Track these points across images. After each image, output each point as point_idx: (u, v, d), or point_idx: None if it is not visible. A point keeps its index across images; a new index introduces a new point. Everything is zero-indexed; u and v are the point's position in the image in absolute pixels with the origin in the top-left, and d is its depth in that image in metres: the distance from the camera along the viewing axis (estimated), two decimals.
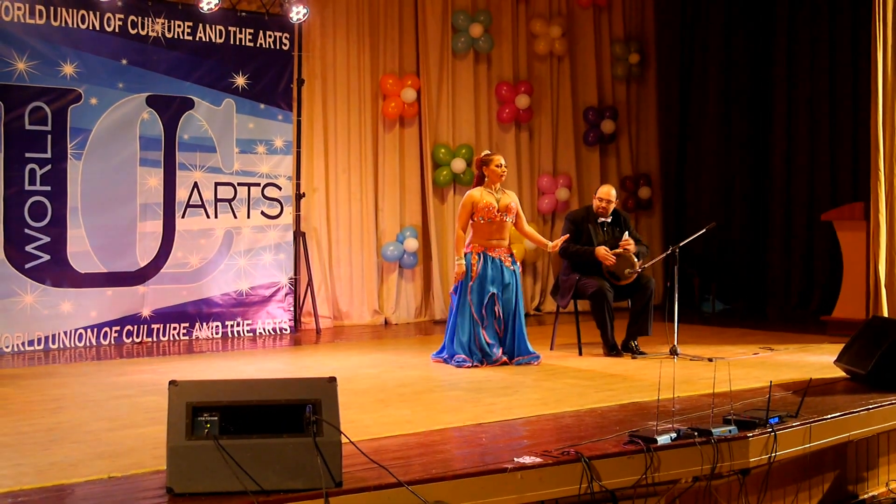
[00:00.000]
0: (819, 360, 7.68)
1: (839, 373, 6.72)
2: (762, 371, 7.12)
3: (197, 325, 9.29)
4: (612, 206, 8.31)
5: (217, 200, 9.45)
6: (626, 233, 8.22)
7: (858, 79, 10.75)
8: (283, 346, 9.17)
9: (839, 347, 6.91)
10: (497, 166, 7.72)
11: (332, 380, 4.08)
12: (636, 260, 8.05)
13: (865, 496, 5.84)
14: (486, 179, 7.75)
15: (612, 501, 4.46)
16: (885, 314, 8.77)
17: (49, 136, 8.51)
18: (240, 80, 9.53)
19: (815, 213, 10.98)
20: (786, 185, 11.74)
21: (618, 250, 8.05)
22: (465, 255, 7.66)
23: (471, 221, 7.72)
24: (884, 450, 6.01)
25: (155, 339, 9.04)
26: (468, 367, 7.42)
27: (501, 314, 7.63)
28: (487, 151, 8.11)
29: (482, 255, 7.65)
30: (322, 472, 3.82)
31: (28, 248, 8.42)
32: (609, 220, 8.29)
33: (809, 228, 11.43)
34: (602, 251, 8.02)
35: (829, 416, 5.39)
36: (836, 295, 9.71)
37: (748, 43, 12.13)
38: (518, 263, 7.92)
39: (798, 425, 5.15)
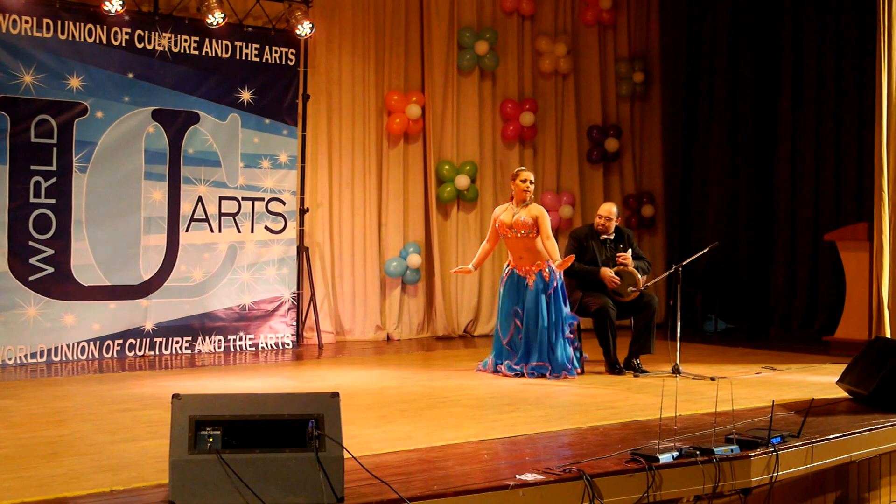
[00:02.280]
0: (821, 380, 7.67)
1: (841, 393, 6.72)
2: (764, 390, 7.11)
3: (199, 338, 9.29)
4: (613, 224, 8.33)
5: (221, 215, 9.47)
6: (630, 250, 8.24)
7: (863, 100, 10.77)
8: (286, 360, 9.17)
9: (842, 368, 6.90)
10: (522, 181, 7.95)
11: (335, 395, 4.08)
12: (640, 277, 8.06)
13: None
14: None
15: None
16: (888, 335, 8.77)
17: (54, 149, 8.54)
18: (245, 95, 9.56)
19: (818, 233, 10.98)
20: (790, 205, 11.73)
21: (619, 268, 8.08)
22: (505, 267, 8.05)
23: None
24: (885, 471, 5.99)
25: (157, 352, 9.04)
26: (481, 370, 7.99)
27: (522, 326, 7.82)
28: (521, 168, 8.35)
29: (512, 272, 7.95)
30: (324, 487, 3.83)
31: (32, 261, 8.43)
32: (612, 237, 8.31)
33: (813, 248, 11.41)
34: (607, 274, 8.07)
35: (831, 437, 5.39)
36: (838, 315, 9.72)
37: (753, 62, 12.15)
38: (556, 276, 7.83)
39: (800, 445, 5.15)
